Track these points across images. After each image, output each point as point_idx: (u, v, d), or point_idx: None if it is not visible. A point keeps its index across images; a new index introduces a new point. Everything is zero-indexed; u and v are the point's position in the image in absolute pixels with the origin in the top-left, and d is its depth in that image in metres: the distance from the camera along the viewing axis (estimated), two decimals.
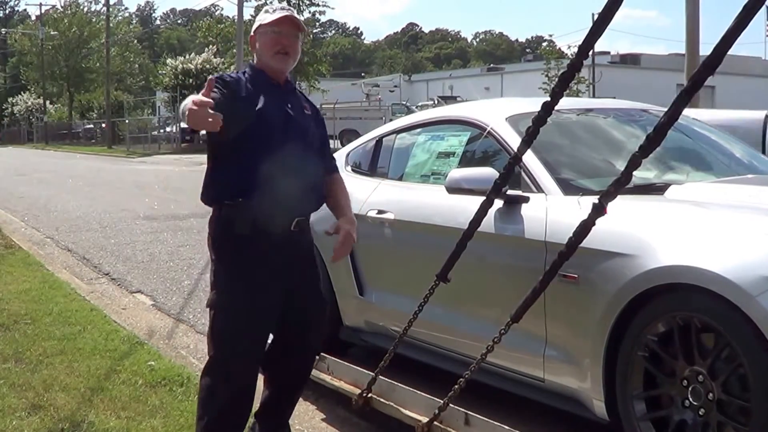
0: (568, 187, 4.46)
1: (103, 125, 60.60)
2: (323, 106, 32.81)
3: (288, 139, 3.78)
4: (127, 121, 56.29)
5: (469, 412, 4.13)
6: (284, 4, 5.81)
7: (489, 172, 4.53)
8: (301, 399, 5.19)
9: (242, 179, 3.75)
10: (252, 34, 3.96)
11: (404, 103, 56.01)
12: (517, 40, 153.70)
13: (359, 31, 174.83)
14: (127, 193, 20.79)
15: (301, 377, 4.25)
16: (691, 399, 3.67)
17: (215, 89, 3.54)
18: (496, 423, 4.01)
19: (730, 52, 2.88)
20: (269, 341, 4.03)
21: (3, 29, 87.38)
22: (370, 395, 4.63)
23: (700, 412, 3.62)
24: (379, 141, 6.07)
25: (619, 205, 3.47)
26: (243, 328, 3.80)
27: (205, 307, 4.14)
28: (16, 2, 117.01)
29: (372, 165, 5.96)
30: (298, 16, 3.92)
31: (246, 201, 3.74)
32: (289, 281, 3.88)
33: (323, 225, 4.28)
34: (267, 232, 3.76)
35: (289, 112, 3.85)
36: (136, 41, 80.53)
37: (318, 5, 42.35)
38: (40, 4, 74.20)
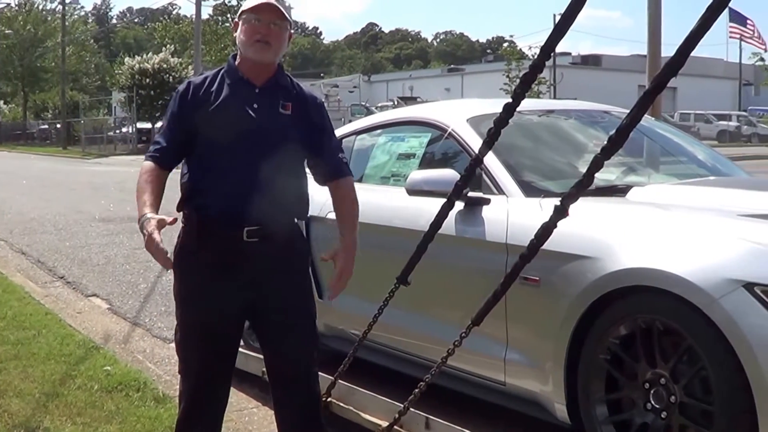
0: (530, 189, 4.45)
1: (58, 126, 60.06)
2: None
3: (240, 144, 3.49)
4: (82, 121, 55.69)
5: (430, 416, 4.12)
6: None
7: (450, 174, 4.51)
8: (259, 404, 5.17)
9: (190, 185, 3.60)
10: (236, 19, 3.68)
11: (364, 104, 55.97)
12: (477, 40, 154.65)
13: (318, 31, 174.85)
14: (82, 194, 20.59)
15: (304, 410, 3.79)
16: (653, 402, 3.66)
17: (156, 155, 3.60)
18: (456, 427, 4.00)
19: (693, 53, 2.87)
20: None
21: None
22: (329, 400, 4.59)
23: (663, 415, 3.62)
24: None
25: (581, 207, 3.44)
26: (189, 341, 3.66)
27: None
28: None
29: None
30: (281, 3, 3.56)
31: (192, 210, 3.55)
32: (254, 296, 3.58)
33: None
34: (214, 242, 3.52)
35: (250, 113, 3.54)
36: (92, 40, 79.73)
37: None
38: None
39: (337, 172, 3.77)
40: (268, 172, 3.50)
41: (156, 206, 3.45)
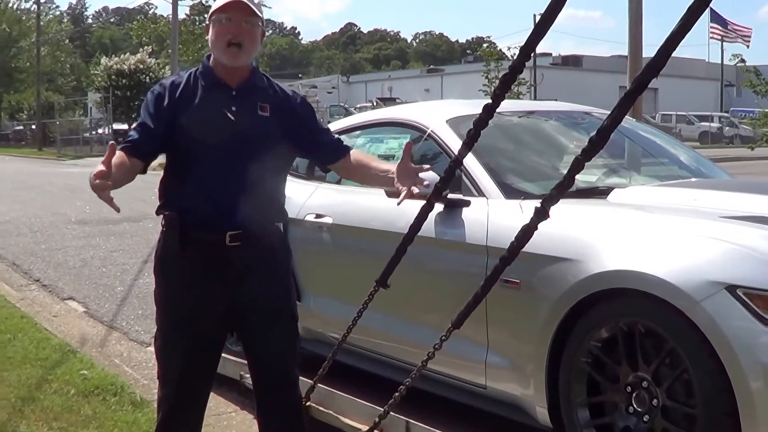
0: (510, 191, 4.42)
1: (34, 127, 59.69)
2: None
3: (220, 148, 3.45)
4: (58, 122, 55.44)
5: (410, 420, 4.11)
6: None
7: (429, 176, 4.47)
8: (238, 408, 5.14)
9: (170, 189, 3.57)
10: (207, 21, 3.63)
11: (342, 104, 56.02)
12: (457, 41, 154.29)
13: (297, 31, 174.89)
14: (58, 196, 20.44)
15: (287, 412, 3.79)
16: (635, 405, 3.65)
17: (135, 130, 3.50)
18: (436, 431, 3.99)
19: (674, 54, 2.85)
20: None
21: None
22: (309, 403, 4.57)
23: (645, 419, 3.60)
24: None
25: (562, 209, 3.41)
26: (171, 346, 3.60)
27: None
28: None
29: (309, 168, 5.86)
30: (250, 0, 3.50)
31: (173, 214, 3.51)
32: (238, 299, 3.55)
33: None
34: (197, 246, 3.47)
35: (228, 116, 3.49)
36: (67, 40, 79.19)
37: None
38: None
39: (342, 149, 3.83)
40: (249, 176, 3.47)
41: (108, 165, 3.07)
